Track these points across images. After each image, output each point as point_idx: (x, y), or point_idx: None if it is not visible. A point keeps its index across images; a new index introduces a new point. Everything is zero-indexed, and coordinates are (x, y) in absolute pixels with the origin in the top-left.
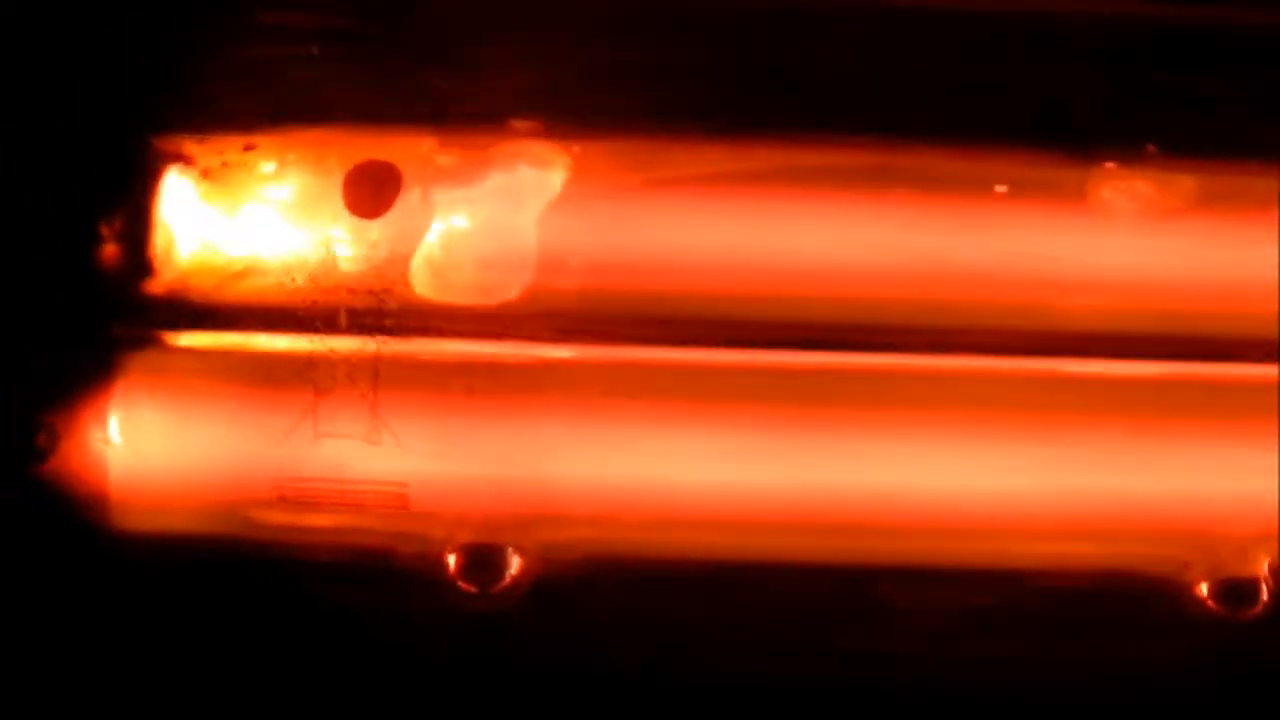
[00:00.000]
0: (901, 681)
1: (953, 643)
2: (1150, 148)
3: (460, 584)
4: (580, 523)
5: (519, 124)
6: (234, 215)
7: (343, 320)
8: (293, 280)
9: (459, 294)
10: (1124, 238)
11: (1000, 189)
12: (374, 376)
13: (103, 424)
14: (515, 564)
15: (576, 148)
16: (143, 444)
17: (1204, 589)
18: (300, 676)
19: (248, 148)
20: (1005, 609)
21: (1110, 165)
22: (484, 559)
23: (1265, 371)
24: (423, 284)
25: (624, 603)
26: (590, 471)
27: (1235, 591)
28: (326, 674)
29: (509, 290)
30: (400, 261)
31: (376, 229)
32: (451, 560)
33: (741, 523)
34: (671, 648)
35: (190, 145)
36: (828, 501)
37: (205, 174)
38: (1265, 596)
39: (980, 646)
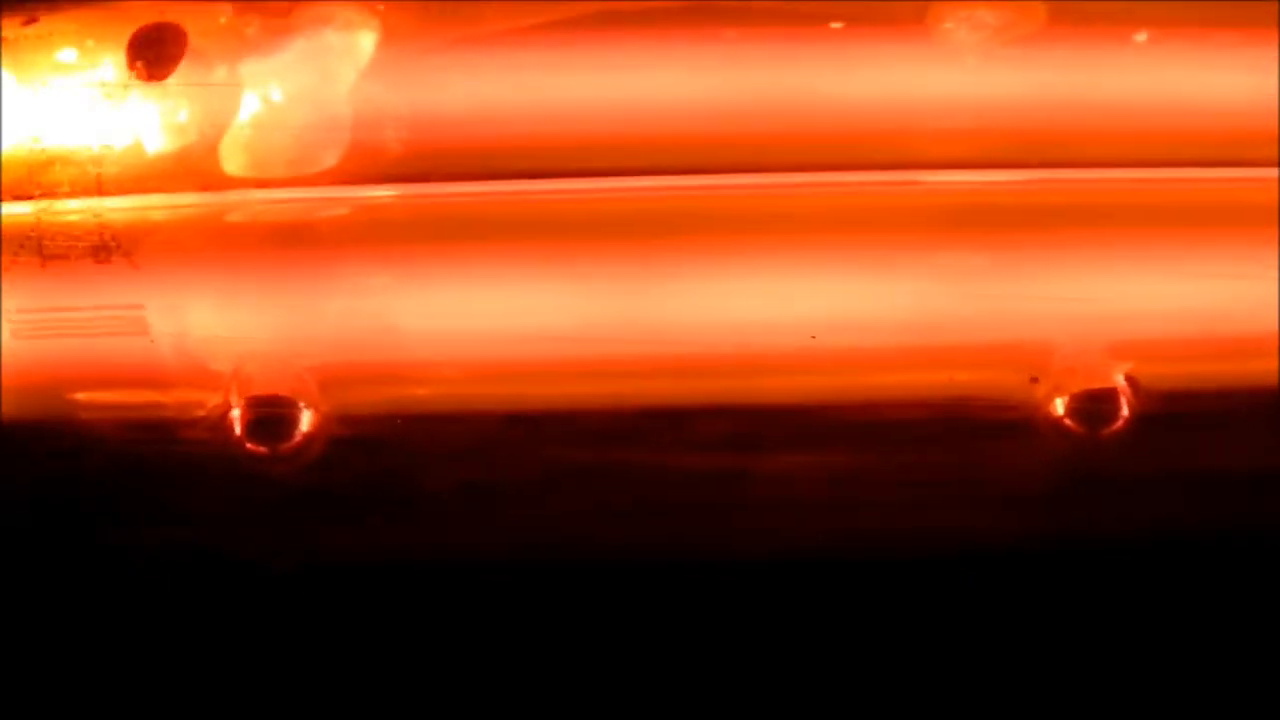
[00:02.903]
0: (761, 527)
1: (811, 485)
2: None
3: (248, 445)
4: (383, 377)
5: None
6: (13, 90)
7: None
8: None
9: (273, 169)
10: (968, 66)
11: (835, 25)
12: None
13: None
14: (307, 420)
15: (381, 7)
16: None
17: (1060, 405)
18: (94, 553)
19: (28, 22)
20: (863, 445)
21: None
22: (272, 415)
23: (1114, 176)
24: (233, 161)
25: (433, 459)
26: (400, 317)
27: (1093, 405)
28: (111, 538)
29: (323, 161)
30: (208, 139)
31: (182, 106)
32: (237, 418)
33: (586, 370)
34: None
35: None
36: (666, 342)
37: None
38: (1124, 409)
39: (837, 487)
